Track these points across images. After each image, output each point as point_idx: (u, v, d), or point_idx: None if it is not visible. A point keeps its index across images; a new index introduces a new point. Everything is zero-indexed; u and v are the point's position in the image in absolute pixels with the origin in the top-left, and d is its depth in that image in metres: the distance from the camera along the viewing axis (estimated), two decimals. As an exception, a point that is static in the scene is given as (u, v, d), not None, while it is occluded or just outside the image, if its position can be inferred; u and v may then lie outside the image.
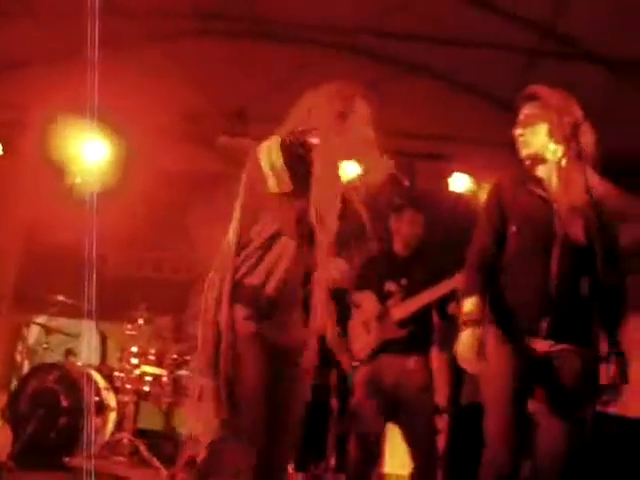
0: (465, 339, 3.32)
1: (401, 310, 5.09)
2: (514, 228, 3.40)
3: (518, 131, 3.50)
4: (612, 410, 4.52)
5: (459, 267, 3.88)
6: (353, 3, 6.13)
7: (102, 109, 5.62)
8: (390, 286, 5.18)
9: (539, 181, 3.46)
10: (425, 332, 5.14)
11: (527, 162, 3.50)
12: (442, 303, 5.05)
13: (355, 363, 5.19)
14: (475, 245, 3.51)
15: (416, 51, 6.73)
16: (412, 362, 5.06)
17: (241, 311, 3.02)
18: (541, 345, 3.31)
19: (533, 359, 3.31)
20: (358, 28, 6.52)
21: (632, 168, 5.93)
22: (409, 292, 5.11)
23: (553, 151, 3.40)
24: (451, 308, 5.01)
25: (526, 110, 3.49)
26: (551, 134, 3.38)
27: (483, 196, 4.97)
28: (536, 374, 3.33)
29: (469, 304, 3.38)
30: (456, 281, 4.67)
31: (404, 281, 5.15)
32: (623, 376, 2.77)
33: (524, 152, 3.46)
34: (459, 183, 7.36)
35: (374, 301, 5.17)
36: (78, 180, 7.33)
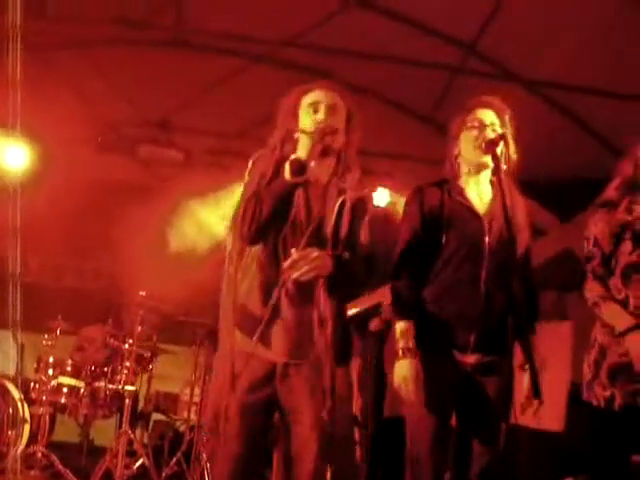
0: (403, 369, 3.29)
1: None
2: (443, 239, 3.36)
3: (488, 119, 3.42)
4: (524, 423, 4.60)
5: (381, 282, 3.86)
6: (278, 16, 6.15)
7: (22, 116, 5.54)
8: None
9: (462, 190, 3.44)
10: (345, 345, 5.14)
11: (453, 167, 3.49)
12: (364, 318, 5.06)
13: None
14: (399, 261, 3.44)
15: (340, 65, 6.76)
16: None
17: None
18: (469, 358, 3.31)
19: (459, 374, 3.33)
20: (281, 40, 6.54)
21: (546, 186, 6.08)
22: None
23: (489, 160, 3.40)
24: (373, 324, 5.02)
25: (485, 111, 3.47)
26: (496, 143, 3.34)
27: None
28: (462, 388, 3.34)
29: (402, 329, 3.33)
30: (379, 295, 4.66)
31: None
32: (537, 390, 2.80)
33: (492, 135, 3.35)
34: (381, 197, 7.43)
35: None
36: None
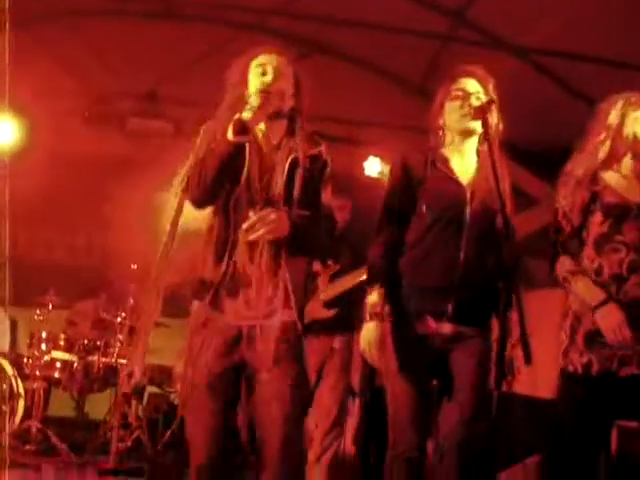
0: (368, 333, 3.32)
1: (327, 291, 5.14)
2: (424, 208, 3.37)
3: (472, 87, 3.41)
4: (520, 390, 4.62)
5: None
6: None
7: (10, 90, 5.48)
8: (316, 266, 5.21)
9: (446, 161, 3.44)
10: (350, 314, 5.18)
11: (437, 137, 3.49)
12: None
13: None
14: (379, 227, 3.46)
15: (328, 34, 6.73)
16: (337, 342, 5.13)
17: None
18: (446, 328, 3.31)
19: (437, 342, 3.33)
20: (270, 9, 6.49)
21: (539, 155, 6.06)
22: (335, 274, 5.16)
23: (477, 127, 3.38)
24: None
25: (468, 80, 3.44)
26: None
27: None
28: (440, 357, 3.35)
29: (374, 295, 3.35)
30: None
31: (330, 262, 5.19)
32: (528, 357, 2.81)
33: (476, 103, 3.34)
34: (373, 167, 7.41)
35: None
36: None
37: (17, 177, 6.05)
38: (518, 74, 6.09)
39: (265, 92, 3.03)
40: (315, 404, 5.21)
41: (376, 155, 7.40)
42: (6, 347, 7.10)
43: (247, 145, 3.04)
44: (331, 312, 5.14)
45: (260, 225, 2.92)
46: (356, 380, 5.74)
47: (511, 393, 4.09)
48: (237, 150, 3.00)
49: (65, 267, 8.23)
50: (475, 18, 6.16)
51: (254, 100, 3.01)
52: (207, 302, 3.07)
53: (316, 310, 5.15)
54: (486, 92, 3.41)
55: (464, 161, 3.46)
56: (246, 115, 2.97)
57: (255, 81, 3.13)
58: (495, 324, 3.29)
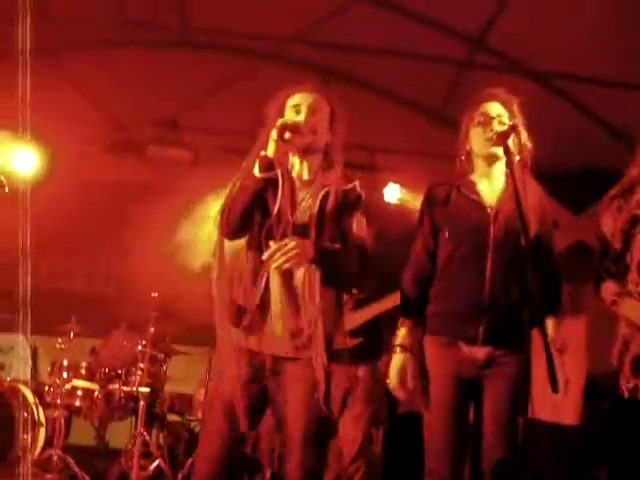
0: (393, 366, 3.35)
1: (352, 320, 5.13)
2: (447, 233, 3.37)
3: (494, 111, 3.41)
4: (541, 417, 4.58)
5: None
6: (283, 12, 6.13)
7: (32, 119, 5.51)
8: None
9: (471, 185, 3.44)
10: (375, 342, 5.17)
11: (462, 164, 3.49)
12: (392, 314, 5.08)
13: None
14: (410, 261, 3.50)
15: (348, 61, 6.75)
16: (361, 371, 5.12)
17: None
18: (479, 352, 3.29)
19: (471, 368, 3.31)
20: (289, 37, 6.53)
21: (558, 178, 6.03)
22: (360, 302, 5.15)
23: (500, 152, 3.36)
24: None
25: (491, 103, 3.45)
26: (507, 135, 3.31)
27: (416, 205, 5.03)
28: (476, 382, 3.33)
29: (402, 326, 3.40)
30: None
31: (355, 291, 5.19)
32: (554, 385, 2.78)
33: (499, 127, 3.34)
34: (393, 193, 7.41)
35: None
36: (6, 190, 7.18)
37: (38, 205, 6.08)
38: (537, 98, 6.07)
39: (280, 127, 3.07)
40: (340, 433, 5.19)
41: (395, 181, 7.40)
42: (27, 375, 7.11)
43: (280, 178, 3.16)
44: (355, 341, 5.13)
45: (280, 253, 2.98)
46: (381, 408, 5.73)
47: (535, 419, 4.05)
48: (265, 185, 3.09)
49: (85, 295, 8.25)
50: (494, 43, 6.18)
51: (273, 133, 3.06)
52: (240, 328, 3.16)
53: (340, 339, 5.15)
54: (510, 114, 3.40)
55: (492, 185, 3.44)
56: (270, 149, 3.06)
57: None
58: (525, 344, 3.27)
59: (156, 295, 6.37)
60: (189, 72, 6.93)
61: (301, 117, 3.19)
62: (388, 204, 7.36)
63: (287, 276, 3.13)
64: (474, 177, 3.47)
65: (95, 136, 7.53)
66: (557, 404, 3.85)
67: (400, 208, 7.20)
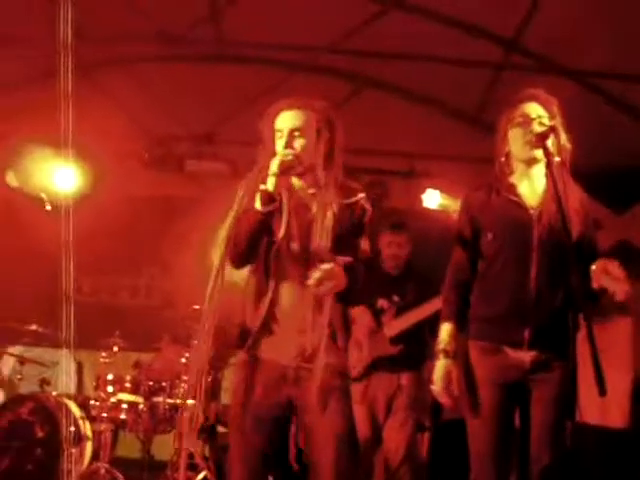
0: (437, 371, 3.34)
1: (393, 327, 5.13)
2: (490, 235, 3.35)
3: (535, 112, 3.37)
4: (589, 420, 4.53)
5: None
6: (316, 23, 6.14)
7: (71, 136, 5.58)
8: (382, 303, 5.22)
9: (512, 187, 3.41)
10: (418, 349, 5.16)
11: (502, 166, 3.45)
12: (434, 320, 5.07)
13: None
14: (450, 267, 3.48)
15: (382, 69, 6.75)
16: (405, 378, 5.10)
17: None
18: (525, 356, 3.26)
19: (516, 372, 3.28)
20: (323, 47, 6.54)
21: (597, 178, 5.97)
22: (401, 309, 5.15)
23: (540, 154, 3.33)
24: None
25: (530, 104, 3.40)
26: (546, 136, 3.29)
27: (456, 210, 5.01)
28: (522, 387, 3.30)
29: (444, 332, 3.37)
30: None
31: (396, 298, 5.19)
32: (602, 388, 2.74)
33: (539, 128, 3.31)
34: (432, 199, 7.38)
35: (368, 317, 5.22)
36: (49, 207, 7.29)
37: (79, 221, 6.16)
38: (574, 98, 6.03)
39: (283, 159, 3.13)
40: (384, 440, 5.17)
41: (434, 187, 7.37)
42: (73, 390, 7.18)
43: (284, 199, 3.21)
44: (397, 348, 5.12)
45: (327, 279, 3.05)
46: (426, 415, 5.71)
47: (583, 423, 4.00)
48: (267, 217, 3.15)
49: (129, 309, 8.30)
50: (529, 44, 6.13)
51: (273, 166, 3.11)
52: (250, 347, 3.22)
53: (382, 347, 5.15)
54: (550, 115, 3.36)
55: (532, 186, 3.41)
56: (270, 184, 3.12)
57: (278, 145, 3.25)
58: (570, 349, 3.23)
59: (197, 308, 6.40)
60: (225, 85, 6.97)
61: (282, 143, 3.22)
62: (427, 210, 7.33)
63: (299, 293, 3.18)
64: (513, 179, 3.44)
65: (133, 151, 7.60)
66: (605, 407, 3.79)
67: (439, 213, 7.17)
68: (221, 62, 6.87)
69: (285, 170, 3.14)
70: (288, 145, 3.21)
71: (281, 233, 3.20)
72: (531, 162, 3.40)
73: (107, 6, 6.15)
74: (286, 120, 3.26)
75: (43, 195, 7.31)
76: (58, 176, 7.37)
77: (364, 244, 3.33)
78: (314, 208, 3.24)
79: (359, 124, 6.99)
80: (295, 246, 3.20)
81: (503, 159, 3.46)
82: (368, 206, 3.34)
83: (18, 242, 7.65)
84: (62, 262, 5.94)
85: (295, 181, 3.31)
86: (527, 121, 3.35)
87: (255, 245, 3.19)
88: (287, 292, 3.20)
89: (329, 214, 3.21)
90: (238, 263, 3.26)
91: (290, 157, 3.15)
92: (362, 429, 5.11)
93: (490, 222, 3.38)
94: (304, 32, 6.30)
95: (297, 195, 3.29)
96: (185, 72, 6.95)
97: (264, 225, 3.16)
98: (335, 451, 3.09)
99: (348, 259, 3.16)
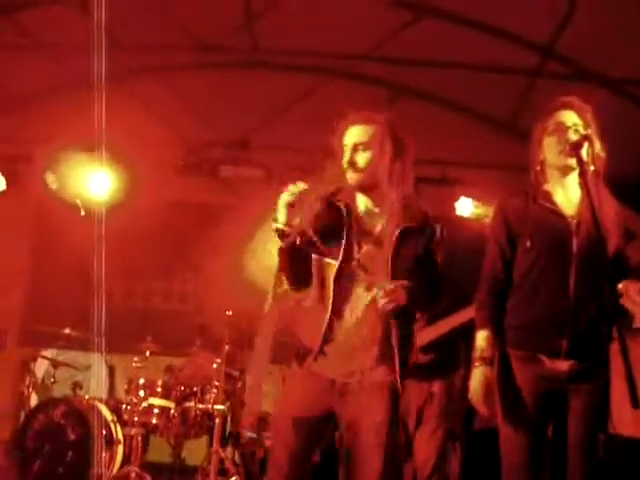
0: (475, 378, 3.28)
1: (425, 336, 5.11)
2: (528, 243, 3.30)
3: (570, 120, 3.34)
4: (622, 431, 4.47)
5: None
6: (351, 29, 6.15)
7: (106, 141, 5.65)
8: None
9: (547, 195, 3.38)
10: (449, 357, 5.12)
11: (537, 174, 3.42)
12: (467, 328, 5.04)
13: None
14: (485, 272, 3.44)
15: (416, 76, 6.73)
16: (436, 387, 5.08)
17: None
18: (562, 365, 3.22)
19: (553, 382, 3.25)
20: (358, 54, 6.54)
21: (633, 187, 5.91)
22: (433, 317, 5.12)
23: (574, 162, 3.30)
24: None
25: (565, 112, 3.37)
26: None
27: (489, 218, 4.97)
28: (555, 397, 3.27)
29: (480, 339, 3.32)
30: None
31: None
32: (635, 400, 2.71)
33: (574, 137, 3.28)
34: (465, 207, 7.35)
35: None
36: (83, 212, 7.37)
37: (113, 226, 6.22)
38: (609, 105, 5.97)
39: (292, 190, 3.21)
40: (414, 449, 5.15)
41: (467, 195, 7.33)
42: (105, 394, 7.23)
43: (344, 218, 3.28)
44: (429, 356, 5.10)
45: (392, 296, 3.11)
46: (457, 423, 5.67)
47: (616, 434, 3.94)
48: (302, 248, 3.25)
49: (161, 314, 8.34)
50: (563, 51, 6.09)
51: (285, 196, 3.21)
52: (304, 361, 3.29)
53: (413, 354, 5.13)
54: (585, 123, 3.33)
55: (568, 195, 3.37)
56: (280, 216, 3.23)
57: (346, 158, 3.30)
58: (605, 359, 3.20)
59: (230, 313, 6.41)
60: (259, 91, 7.00)
61: (347, 157, 3.27)
62: (460, 218, 7.29)
63: (358, 313, 3.25)
64: (548, 187, 3.40)
65: (168, 158, 7.65)
66: (638, 419, 3.73)
67: (472, 222, 7.13)
68: (255, 69, 6.89)
69: (294, 201, 3.21)
70: (351, 160, 3.27)
71: (341, 255, 3.25)
72: (566, 170, 3.36)
73: (143, 15, 6.21)
74: (351, 135, 3.32)
75: (78, 200, 7.40)
76: (93, 182, 7.44)
77: (434, 263, 3.40)
78: (378, 228, 3.30)
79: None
80: (356, 267, 3.25)
81: (538, 168, 3.42)
82: (437, 235, 3.42)
83: (52, 246, 7.74)
84: (95, 266, 6.01)
85: (360, 198, 3.36)
86: (562, 129, 3.32)
87: (300, 272, 3.31)
88: (346, 311, 3.26)
89: (393, 237, 3.26)
90: (296, 289, 3.39)
91: (302, 188, 3.22)
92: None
93: (527, 229, 3.33)
94: (338, 39, 6.32)
95: (359, 214, 3.34)
96: (220, 79, 6.99)
97: (299, 255, 3.27)
98: (380, 464, 3.13)
99: (405, 283, 3.18)
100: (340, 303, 3.25)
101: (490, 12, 5.87)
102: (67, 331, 6.65)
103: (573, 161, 3.27)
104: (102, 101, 5.30)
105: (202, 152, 7.78)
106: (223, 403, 6.34)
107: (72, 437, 6.01)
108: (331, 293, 3.25)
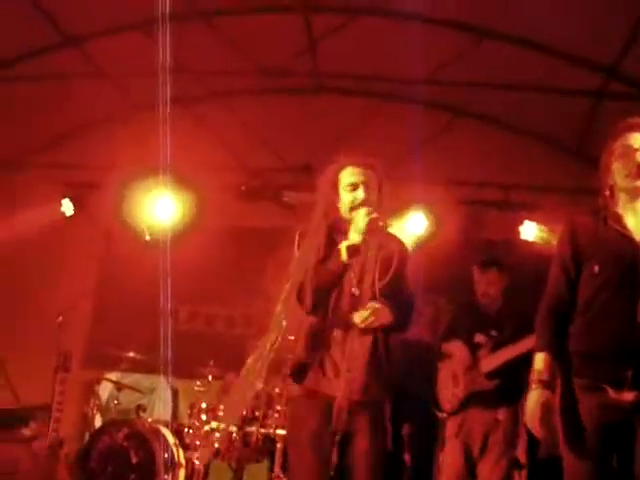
0: (532, 402, 3.20)
1: (490, 362, 5.06)
2: (596, 268, 3.20)
3: (637, 142, 3.25)
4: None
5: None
6: (411, 54, 6.14)
7: (171, 167, 5.72)
8: (479, 337, 5.15)
9: (619, 217, 3.28)
10: (515, 384, 5.03)
11: (606, 199, 3.35)
12: (532, 355, 4.96)
13: (442, 415, 5.24)
14: (548, 289, 3.35)
15: (478, 99, 6.70)
16: (501, 414, 5.00)
17: None
18: (627, 396, 3.12)
19: (618, 413, 3.16)
20: (419, 78, 6.53)
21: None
22: (498, 344, 5.06)
23: None
24: None
25: (633, 134, 3.31)
26: None
27: (554, 243, 4.88)
28: (620, 429, 3.17)
29: (539, 362, 3.24)
30: None
31: (494, 332, 5.12)
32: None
33: None
34: (530, 231, 7.25)
35: (465, 351, 5.16)
36: (148, 237, 7.46)
37: (177, 251, 6.28)
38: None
39: (372, 222, 3.33)
40: (477, 476, 5.07)
41: (532, 219, 7.24)
42: (168, 417, 7.27)
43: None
44: (493, 383, 5.03)
45: (372, 316, 3.27)
46: (521, 451, 5.57)
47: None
48: (347, 267, 3.39)
49: (224, 339, 8.38)
50: (628, 72, 5.99)
51: (361, 222, 3.34)
52: (304, 383, 3.43)
53: (478, 381, 5.06)
54: None
55: (638, 219, 3.28)
56: (356, 239, 3.36)
57: (348, 197, 3.48)
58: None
59: (292, 338, 6.40)
60: (322, 116, 7.04)
61: (361, 194, 3.43)
62: (525, 242, 7.20)
63: (353, 332, 3.35)
64: (619, 209, 3.32)
65: (232, 183, 7.71)
66: None
67: (537, 246, 7.03)
68: (318, 94, 6.94)
69: (372, 228, 3.33)
70: (366, 198, 3.43)
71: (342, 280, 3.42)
72: (635, 193, 3.28)
73: (207, 41, 6.30)
74: (357, 175, 3.49)
75: (144, 225, 7.50)
76: (158, 207, 7.54)
77: (407, 286, 3.49)
78: (368, 254, 3.41)
79: (453, 154, 6.97)
80: (352, 292, 3.40)
81: (608, 192, 3.35)
82: (405, 249, 3.54)
83: (117, 270, 7.84)
84: (160, 290, 6.07)
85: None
86: (629, 152, 3.25)
87: (330, 294, 3.43)
88: (342, 331, 3.38)
89: (378, 259, 3.37)
90: (312, 310, 3.46)
91: (375, 216, 3.33)
92: (456, 463, 5.06)
93: (596, 252, 3.24)
94: (399, 64, 6.31)
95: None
96: (282, 104, 7.06)
97: (343, 275, 3.40)
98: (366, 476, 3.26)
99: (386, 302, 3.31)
100: (335, 322, 3.40)
101: (551, 33, 5.83)
102: (131, 354, 6.72)
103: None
104: (167, 127, 5.38)
105: (265, 177, 7.83)
106: (285, 428, 6.32)
107: (135, 460, 6.05)
108: (329, 314, 3.42)
